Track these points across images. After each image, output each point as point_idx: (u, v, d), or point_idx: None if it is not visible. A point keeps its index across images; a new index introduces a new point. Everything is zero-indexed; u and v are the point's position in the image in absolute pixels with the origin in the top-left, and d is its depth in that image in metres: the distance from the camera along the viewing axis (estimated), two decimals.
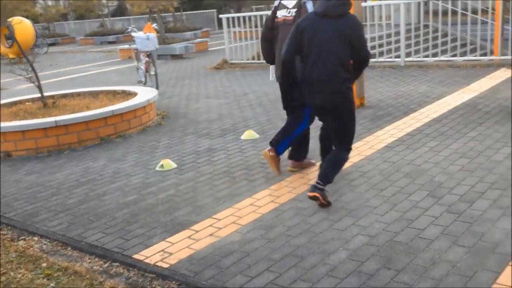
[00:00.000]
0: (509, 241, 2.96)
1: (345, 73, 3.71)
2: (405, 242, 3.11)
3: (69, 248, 3.56)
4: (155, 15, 18.71)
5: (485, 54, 9.50)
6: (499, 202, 3.48)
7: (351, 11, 3.84)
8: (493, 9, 9.83)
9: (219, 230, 3.55)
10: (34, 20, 23.24)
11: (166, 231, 3.61)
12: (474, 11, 10.72)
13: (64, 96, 7.94)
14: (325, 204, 3.71)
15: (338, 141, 3.90)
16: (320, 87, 3.75)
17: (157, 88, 9.20)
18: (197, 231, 3.57)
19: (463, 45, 10.54)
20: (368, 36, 10.16)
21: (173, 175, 4.80)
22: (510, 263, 2.74)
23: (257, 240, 3.34)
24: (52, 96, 7.64)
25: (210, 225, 3.64)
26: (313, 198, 3.70)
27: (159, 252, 3.31)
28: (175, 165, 5.06)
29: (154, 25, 10.41)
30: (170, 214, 3.90)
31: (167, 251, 3.31)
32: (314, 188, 3.72)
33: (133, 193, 4.43)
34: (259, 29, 11.34)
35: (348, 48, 3.66)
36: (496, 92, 6.62)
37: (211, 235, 3.50)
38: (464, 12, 10.70)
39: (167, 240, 3.48)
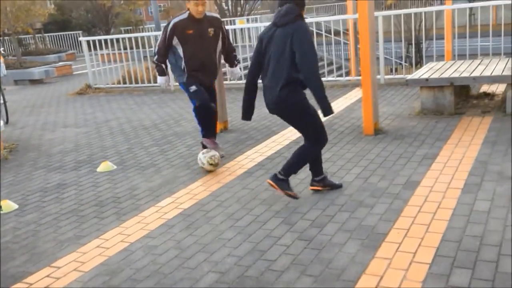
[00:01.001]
0: (353, 266, 2.98)
1: (288, 79, 3.78)
2: (255, 276, 3.00)
3: None
4: (10, 37, 17.36)
5: (341, 75, 10.02)
6: (347, 225, 3.54)
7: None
8: (347, 30, 10.47)
9: (57, 281, 3.18)
10: None
11: None
12: (337, 33, 11.34)
13: None
14: (290, 195, 3.99)
15: (304, 137, 4.11)
16: (268, 92, 3.94)
17: (6, 118, 8.40)
18: (31, 284, 3.16)
19: (322, 66, 11.07)
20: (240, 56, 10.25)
21: (13, 218, 4.30)
22: None
23: None
24: None
25: (47, 275, 3.26)
26: (271, 185, 4.01)
27: None
28: (16, 206, 4.54)
29: (1, 49, 9.54)
30: (3, 265, 3.43)
31: None
32: (274, 177, 4.00)
33: None
34: (128, 51, 10.95)
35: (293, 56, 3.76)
36: (350, 112, 6.95)
37: (47, 287, 3.11)
38: (319, 32, 11.27)
39: None
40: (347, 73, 10.60)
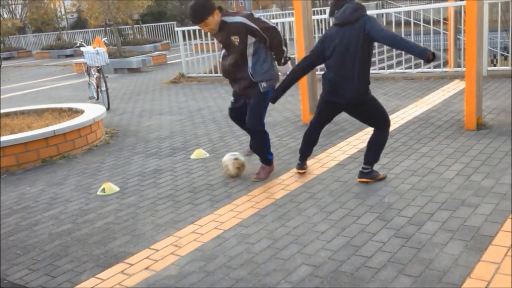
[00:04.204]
0: (457, 268, 2.81)
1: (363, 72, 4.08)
2: (350, 272, 2.93)
3: None
4: (111, 27, 18.32)
5: (439, 66, 9.54)
6: (448, 224, 3.35)
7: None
8: (445, 19, 9.92)
9: (155, 263, 3.29)
10: None
11: (98, 266, 3.33)
12: (427, 21, 10.81)
13: (7, 114, 7.55)
14: (380, 178, 4.28)
15: (374, 125, 4.27)
16: (342, 86, 4.12)
17: (107, 104, 8.88)
18: (131, 265, 3.31)
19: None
20: None
21: (114, 200, 4.53)
22: None
23: (195, 274, 3.10)
24: None
25: (147, 257, 3.38)
26: (363, 182, 4.27)
27: None
28: (117, 189, 4.78)
29: (104, 39, 10.08)
30: (104, 246, 3.62)
31: None
32: (361, 174, 4.27)
33: (68, 222, 4.12)
34: (216, 41, 11.17)
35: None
36: (448, 105, 6.59)
37: (146, 268, 3.24)
38: (417, 22, 10.78)
39: (97, 276, 3.20)
40: (444, 64, 10.08)
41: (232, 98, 4.80)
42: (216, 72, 11.31)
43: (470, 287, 2.63)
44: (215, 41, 11.38)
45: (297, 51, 6.53)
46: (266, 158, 4.71)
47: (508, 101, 6.38)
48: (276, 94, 4.42)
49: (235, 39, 4.34)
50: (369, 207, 3.79)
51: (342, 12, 4.04)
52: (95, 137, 6.55)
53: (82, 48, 9.20)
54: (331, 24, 4.32)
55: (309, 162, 4.95)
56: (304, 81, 6.43)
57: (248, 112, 4.55)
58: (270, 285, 2.89)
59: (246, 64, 4.42)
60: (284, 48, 4.49)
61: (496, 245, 3.02)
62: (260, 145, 4.66)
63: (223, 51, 4.63)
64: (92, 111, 6.82)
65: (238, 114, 4.74)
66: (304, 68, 4.36)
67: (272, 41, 4.37)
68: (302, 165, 4.68)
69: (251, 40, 4.35)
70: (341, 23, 4.04)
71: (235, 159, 4.74)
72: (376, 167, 4.64)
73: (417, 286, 2.70)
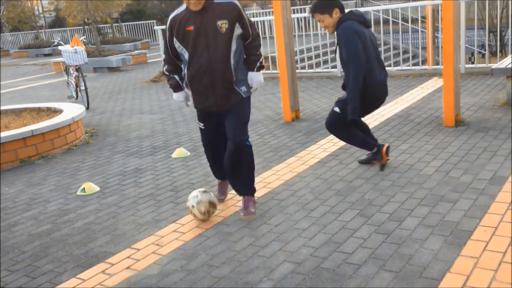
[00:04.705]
0: (437, 263, 2.85)
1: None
2: (332, 268, 2.95)
3: None
4: (90, 26, 18.11)
5: (418, 64, 9.65)
6: (428, 220, 3.39)
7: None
8: (423, 17, 10.04)
9: (137, 262, 3.27)
10: None
11: (78, 266, 3.30)
12: (405, 20, 10.93)
13: None
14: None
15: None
16: (381, 87, 4.36)
17: (87, 103, 8.79)
18: (112, 264, 3.28)
19: (397, 55, 10.72)
20: (304, 46, 10.15)
21: (95, 200, 4.48)
22: None
23: (177, 273, 3.09)
24: None
25: (128, 257, 3.36)
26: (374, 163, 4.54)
27: None
28: (98, 188, 4.73)
29: (83, 38, 9.97)
30: (85, 246, 3.58)
31: None
32: (372, 156, 4.53)
33: (47, 222, 4.07)
34: None
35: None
36: (427, 103, 6.67)
37: (127, 268, 3.21)
38: (395, 20, 10.88)
39: (78, 276, 3.17)
40: (423, 62, 10.20)
41: (201, 124, 3.89)
42: None
43: (450, 281, 2.67)
44: None
45: (277, 49, 6.54)
46: (253, 186, 3.92)
47: (486, 98, 6.48)
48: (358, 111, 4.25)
49: (223, 25, 3.44)
50: (350, 204, 3.81)
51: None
52: (75, 137, 6.47)
53: (60, 47, 9.08)
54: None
55: (289, 160, 4.97)
56: (284, 79, 6.45)
57: (232, 126, 3.66)
58: (252, 282, 2.89)
59: (230, 62, 3.56)
60: (261, 52, 3.77)
61: (475, 239, 3.06)
62: (249, 169, 3.84)
63: (187, 53, 3.53)
64: (71, 110, 6.74)
65: (216, 136, 3.89)
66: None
67: (254, 41, 3.64)
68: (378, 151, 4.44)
69: (237, 31, 3.52)
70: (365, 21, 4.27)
71: (198, 202, 3.70)
72: (355, 164, 4.70)
73: (398, 281, 2.73)
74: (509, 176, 3.96)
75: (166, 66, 3.75)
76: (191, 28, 3.46)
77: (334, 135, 4.61)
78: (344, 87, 4.35)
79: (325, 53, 10.98)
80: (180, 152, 5.60)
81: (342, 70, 4.50)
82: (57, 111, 6.99)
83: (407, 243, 3.12)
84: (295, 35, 9.06)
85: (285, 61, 6.42)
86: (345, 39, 4.10)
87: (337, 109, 4.41)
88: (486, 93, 6.76)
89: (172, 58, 3.67)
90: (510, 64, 5.94)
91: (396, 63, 9.83)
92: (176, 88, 3.77)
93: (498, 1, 9.34)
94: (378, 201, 3.80)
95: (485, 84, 7.34)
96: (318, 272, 2.93)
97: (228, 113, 3.67)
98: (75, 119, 6.40)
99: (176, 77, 3.73)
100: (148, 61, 16.87)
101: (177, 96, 3.82)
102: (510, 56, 6.78)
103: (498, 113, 5.70)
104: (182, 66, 3.69)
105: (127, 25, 25.15)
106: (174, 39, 3.55)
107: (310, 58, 10.67)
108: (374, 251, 3.08)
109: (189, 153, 5.59)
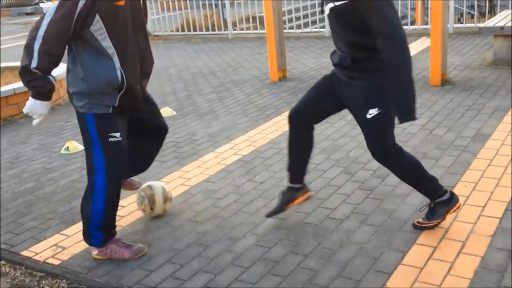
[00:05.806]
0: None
1: None
2: (315, 223, 2.98)
3: None
4: None
5: (406, 24, 9.55)
6: None
7: None
8: None
9: (121, 219, 3.28)
10: None
11: (62, 222, 3.30)
12: None
13: None
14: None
15: None
16: None
17: None
18: None
19: None
20: (292, 7, 9.99)
21: (79, 158, 4.45)
22: (416, 242, 2.67)
23: (161, 229, 3.11)
24: None
25: None
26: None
27: (51, 247, 3.01)
28: (81, 147, 4.68)
29: None
30: (69, 203, 3.58)
31: (60, 246, 3.02)
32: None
33: (31, 180, 4.05)
34: None
35: None
36: (415, 62, 6.63)
37: None
38: None
39: (61, 232, 3.17)
40: (412, 22, 10.11)
41: (117, 134, 2.75)
42: (183, 31, 11.07)
43: (429, 234, 2.72)
44: None
45: (264, 9, 6.42)
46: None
47: (473, 57, 6.47)
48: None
49: None
50: (335, 162, 3.83)
51: None
52: (58, 96, 6.38)
53: (42, 5, 8.85)
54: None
55: (276, 119, 4.96)
56: (272, 39, 6.36)
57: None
58: (236, 237, 2.92)
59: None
60: None
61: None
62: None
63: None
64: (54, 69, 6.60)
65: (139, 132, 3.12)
66: None
67: None
68: None
69: None
70: None
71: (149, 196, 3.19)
72: (341, 123, 4.70)
73: (379, 235, 2.77)
74: (492, 134, 3.99)
75: (40, 58, 2.55)
76: (122, 2, 2.57)
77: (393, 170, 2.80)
78: (336, 58, 2.86)
79: (313, 13, 10.82)
80: (165, 111, 5.54)
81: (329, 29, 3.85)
82: None
83: (389, 199, 3.16)
84: None
85: (273, 21, 6.32)
86: (390, 7, 2.45)
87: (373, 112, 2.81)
88: (474, 53, 6.74)
89: (69, 41, 2.59)
90: (498, 23, 5.91)
91: None
92: (45, 96, 2.69)
93: None
94: (363, 159, 3.82)
95: (473, 44, 7.31)
96: (301, 226, 2.96)
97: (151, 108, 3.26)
98: (57, 78, 6.29)
99: (51, 77, 2.69)
100: None
101: (39, 106, 2.70)
102: (498, 15, 6.73)
103: (484, 72, 5.70)
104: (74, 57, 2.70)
105: None
106: (96, 14, 2.51)
107: (298, 18, 10.52)
108: (356, 206, 3.12)
109: (174, 113, 5.54)
